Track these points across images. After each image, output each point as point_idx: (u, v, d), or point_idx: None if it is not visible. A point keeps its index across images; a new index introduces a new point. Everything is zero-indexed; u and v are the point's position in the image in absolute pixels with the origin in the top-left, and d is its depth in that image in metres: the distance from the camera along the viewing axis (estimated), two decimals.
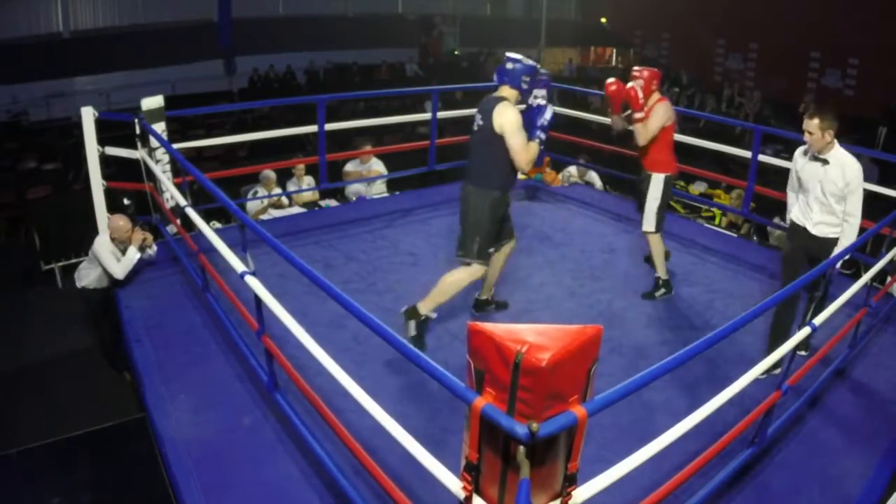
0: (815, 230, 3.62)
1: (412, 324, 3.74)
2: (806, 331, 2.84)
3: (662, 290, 4.51)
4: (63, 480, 3.61)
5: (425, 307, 3.73)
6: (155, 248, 4.72)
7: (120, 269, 4.43)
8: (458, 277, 3.74)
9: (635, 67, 4.48)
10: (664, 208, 4.48)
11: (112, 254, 4.47)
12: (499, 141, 3.52)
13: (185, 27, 14.47)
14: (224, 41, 14.87)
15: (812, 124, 3.44)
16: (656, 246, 4.50)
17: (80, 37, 13.76)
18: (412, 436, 1.95)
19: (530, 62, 3.60)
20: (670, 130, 4.40)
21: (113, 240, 4.50)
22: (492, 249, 3.83)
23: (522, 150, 3.54)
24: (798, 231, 3.71)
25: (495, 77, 3.62)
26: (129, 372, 4.84)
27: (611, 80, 4.60)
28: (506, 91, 3.58)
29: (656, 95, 4.39)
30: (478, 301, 4.27)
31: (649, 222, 4.46)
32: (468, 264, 3.74)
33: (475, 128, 3.65)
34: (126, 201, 4.67)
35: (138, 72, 13.15)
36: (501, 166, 3.62)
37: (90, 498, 3.51)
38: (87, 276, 4.61)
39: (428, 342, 3.82)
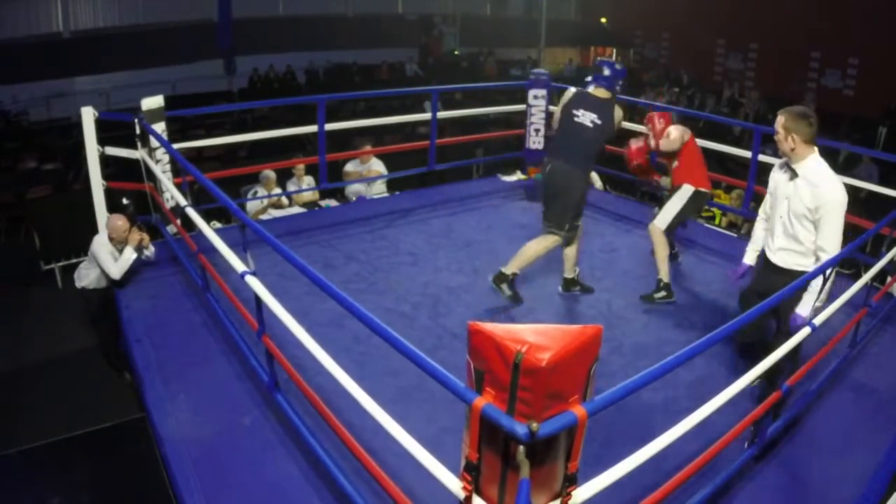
0: (776, 258, 3.15)
1: (504, 286, 4.23)
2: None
3: (663, 293, 4.46)
4: (63, 480, 3.61)
5: (510, 269, 4.23)
6: (153, 248, 4.72)
7: (117, 269, 4.43)
8: (541, 245, 4.22)
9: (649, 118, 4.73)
10: (684, 215, 4.53)
11: (110, 254, 4.47)
12: (607, 135, 4.17)
13: (185, 27, 14.47)
14: (224, 41, 14.86)
15: (777, 122, 3.00)
16: (661, 246, 4.48)
17: (80, 37, 13.76)
18: (412, 436, 1.95)
19: (622, 67, 4.20)
20: (692, 147, 4.61)
21: (112, 240, 4.50)
22: (578, 223, 4.28)
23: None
24: (760, 259, 3.31)
25: (593, 81, 4.15)
26: (128, 372, 4.85)
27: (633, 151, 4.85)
28: (605, 93, 4.13)
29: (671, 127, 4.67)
30: (566, 280, 4.53)
31: (664, 220, 4.48)
32: (552, 233, 4.20)
33: (588, 123, 4.10)
34: (125, 201, 4.67)
35: (138, 72, 13.14)
36: (599, 154, 4.30)
37: (90, 498, 3.51)
38: (86, 277, 4.61)
39: (428, 342, 3.83)
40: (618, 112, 4.15)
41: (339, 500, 2.65)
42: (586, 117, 4.10)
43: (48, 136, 11.75)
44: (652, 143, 4.66)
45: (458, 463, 1.75)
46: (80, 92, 13.05)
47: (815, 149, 3.04)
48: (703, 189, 4.53)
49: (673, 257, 4.92)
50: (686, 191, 4.48)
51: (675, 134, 4.57)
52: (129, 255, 4.46)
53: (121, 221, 4.52)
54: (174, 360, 3.68)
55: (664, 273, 4.48)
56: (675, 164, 4.65)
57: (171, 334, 3.95)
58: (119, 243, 4.52)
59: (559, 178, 4.13)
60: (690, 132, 4.64)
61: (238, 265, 3.01)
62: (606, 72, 4.12)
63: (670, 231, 4.55)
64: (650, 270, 4.90)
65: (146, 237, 4.63)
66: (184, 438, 3.05)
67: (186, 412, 3.24)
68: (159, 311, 4.23)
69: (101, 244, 4.48)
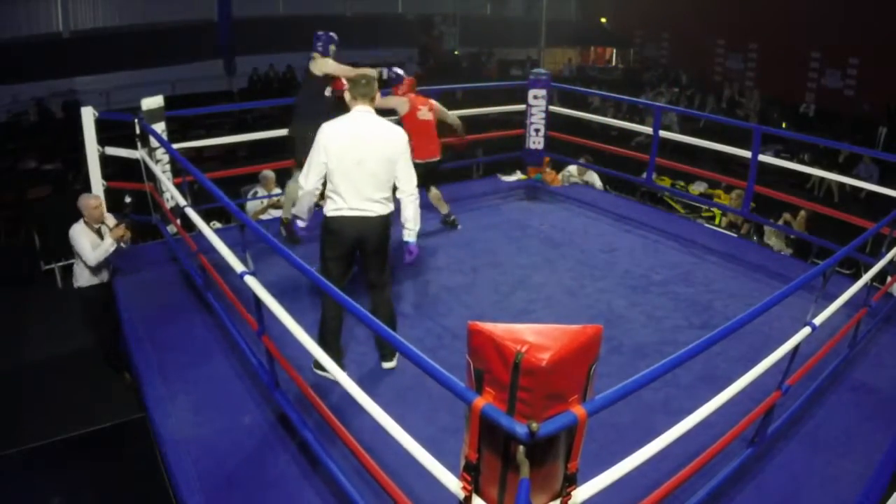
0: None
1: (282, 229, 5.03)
2: None
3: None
4: (63, 480, 3.62)
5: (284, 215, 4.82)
6: (128, 239, 4.71)
7: (93, 256, 4.39)
8: (293, 186, 4.76)
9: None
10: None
11: (87, 239, 4.42)
12: (318, 83, 4.90)
13: (185, 27, 14.47)
14: (224, 41, 14.87)
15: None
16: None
17: (80, 37, 13.76)
18: (412, 436, 1.95)
19: (326, 33, 4.91)
20: (411, 118, 5.07)
21: (87, 224, 4.47)
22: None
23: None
24: None
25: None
26: (128, 372, 4.84)
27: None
28: (317, 55, 4.84)
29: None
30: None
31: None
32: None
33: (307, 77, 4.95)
34: (127, 199, 4.68)
35: (138, 72, 13.14)
36: (322, 102, 4.90)
37: (90, 498, 3.51)
38: (80, 275, 4.59)
39: (428, 342, 3.83)
40: (323, 63, 4.78)
41: (339, 500, 2.65)
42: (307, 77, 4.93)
43: (48, 137, 11.75)
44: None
45: (457, 463, 1.75)
46: (80, 92, 13.05)
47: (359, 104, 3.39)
48: (420, 160, 4.57)
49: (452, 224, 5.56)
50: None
51: (394, 102, 5.01)
52: (108, 245, 4.43)
53: (92, 200, 4.48)
54: (174, 360, 3.68)
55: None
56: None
57: (171, 334, 3.95)
58: (95, 223, 4.48)
59: (297, 129, 4.80)
60: (416, 106, 5.09)
61: (237, 265, 3.01)
62: (315, 40, 4.86)
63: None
64: (651, 269, 4.91)
65: (128, 234, 4.60)
66: (184, 438, 3.05)
67: (186, 412, 3.24)
68: (159, 311, 4.23)
69: (77, 231, 4.44)
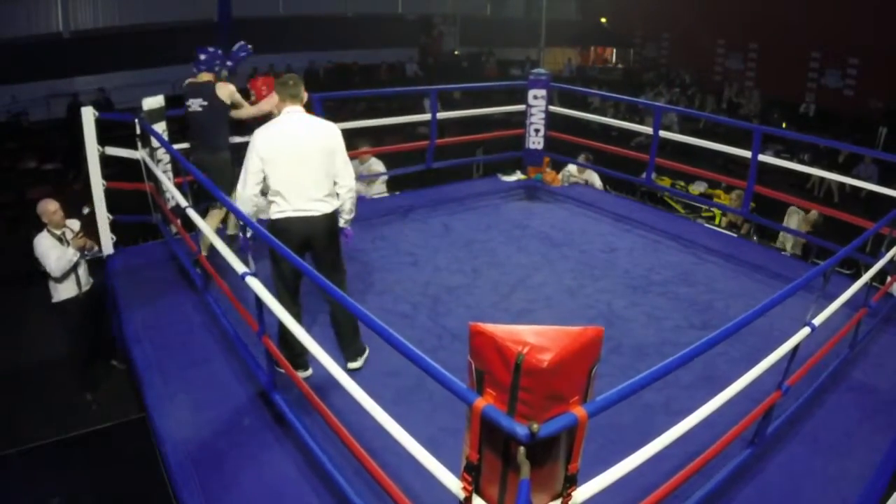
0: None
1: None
2: None
3: None
4: (63, 480, 3.62)
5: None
6: (95, 247, 4.69)
7: (56, 266, 4.35)
8: (211, 221, 4.46)
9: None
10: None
11: (52, 246, 4.38)
12: (220, 111, 4.59)
13: (185, 27, 14.46)
14: (224, 41, 14.85)
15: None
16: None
17: (80, 37, 13.76)
18: (412, 436, 1.95)
19: (215, 50, 4.65)
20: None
21: (51, 231, 4.43)
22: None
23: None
24: None
25: (194, 67, 4.59)
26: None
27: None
28: (206, 76, 4.58)
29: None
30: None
31: None
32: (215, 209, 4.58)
33: (197, 108, 4.53)
34: (85, 210, 4.63)
35: (138, 72, 13.14)
36: (225, 129, 4.66)
37: (90, 498, 3.51)
38: (56, 289, 4.54)
39: (428, 342, 3.83)
40: (224, 88, 4.55)
41: (339, 500, 2.65)
42: (195, 103, 4.53)
43: (48, 136, 11.74)
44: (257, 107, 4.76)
45: (458, 463, 1.75)
46: (79, 92, 13.05)
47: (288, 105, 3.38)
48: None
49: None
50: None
51: (268, 105, 4.69)
52: (71, 255, 4.39)
53: (52, 206, 4.44)
54: (174, 360, 3.68)
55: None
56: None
57: (171, 334, 3.94)
58: (57, 229, 4.44)
59: (206, 163, 4.41)
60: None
61: (238, 266, 3.01)
62: (202, 56, 4.59)
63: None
64: (651, 269, 4.91)
65: (90, 242, 4.56)
66: (184, 438, 3.05)
67: (186, 412, 3.24)
68: (159, 311, 4.22)
69: (42, 241, 4.40)
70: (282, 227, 3.27)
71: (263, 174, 3.27)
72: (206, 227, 3.67)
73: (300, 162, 3.23)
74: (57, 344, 5.48)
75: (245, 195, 3.32)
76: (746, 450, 2.82)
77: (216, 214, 4.55)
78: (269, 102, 4.63)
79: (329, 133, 3.33)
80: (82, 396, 4.98)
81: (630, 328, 4.11)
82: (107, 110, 11.70)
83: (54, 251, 4.38)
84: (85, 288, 4.62)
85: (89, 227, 4.55)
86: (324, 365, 2.37)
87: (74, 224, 4.57)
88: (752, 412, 2.71)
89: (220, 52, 4.68)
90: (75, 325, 4.74)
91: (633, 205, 6.65)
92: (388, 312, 4.14)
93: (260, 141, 3.26)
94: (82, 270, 4.60)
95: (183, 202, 3.96)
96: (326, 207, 3.34)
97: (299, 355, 3.31)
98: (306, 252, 3.35)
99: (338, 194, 3.40)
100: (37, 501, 3.46)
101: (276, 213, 3.30)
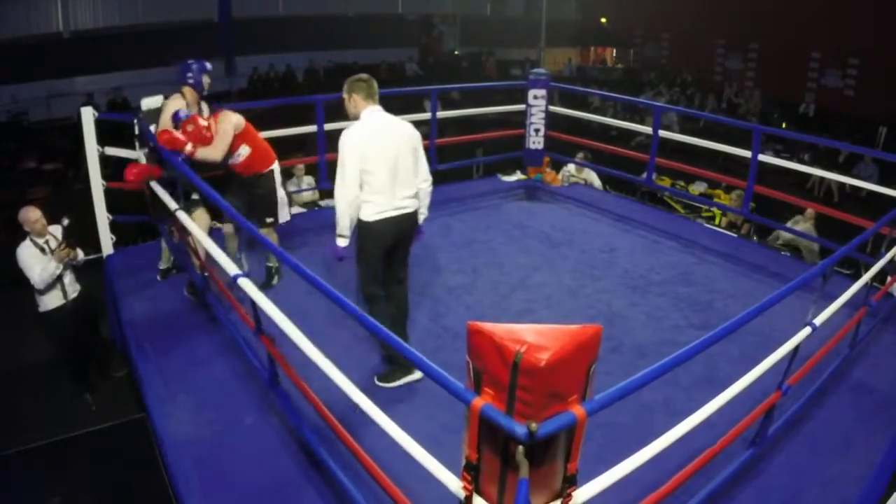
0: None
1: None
2: None
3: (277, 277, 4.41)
4: (63, 480, 3.61)
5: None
6: (81, 255, 4.60)
7: (40, 279, 4.29)
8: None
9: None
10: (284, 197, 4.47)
11: (35, 256, 4.32)
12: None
13: (185, 27, 14.47)
14: (224, 41, 14.86)
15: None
16: (274, 237, 4.34)
17: (80, 37, 13.76)
18: (412, 435, 1.95)
19: (186, 62, 4.28)
20: (250, 130, 4.39)
21: (34, 241, 4.36)
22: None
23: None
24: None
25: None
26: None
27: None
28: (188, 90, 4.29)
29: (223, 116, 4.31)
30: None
31: (283, 214, 4.39)
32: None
33: None
34: (65, 221, 4.56)
35: (138, 72, 13.15)
36: None
37: (90, 498, 3.50)
38: (42, 299, 4.50)
39: (428, 342, 3.82)
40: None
41: (339, 500, 2.65)
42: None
43: (48, 136, 11.74)
44: (193, 148, 4.12)
45: (457, 463, 1.74)
46: (80, 92, 13.05)
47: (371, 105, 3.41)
48: (276, 165, 4.42)
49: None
50: (277, 171, 4.39)
51: (227, 126, 4.21)
52: (53, 268, 4.31)
53: (32, 214, 4.35)
54: (174, 360, 3.68)
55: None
56: (243, 155, 4.28)
57: (171, 335, 3.94)
58: (40, 237, 4.37)
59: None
60: (240, 116, 4.36)
61: (230, 268, 2.96)
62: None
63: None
64: (650, 269, 4.91)
65: (74, 252, 4.48)
66: (184, 438, 3.05)
67: (186, 412, 3.24)
68: (159, 311, 4.22)
69: (25, 251, 4.34)
70: (381, 228, 3.28)
71: (362, 176, 3.25)
72: (196, 228, 3.65)
73: (396, 160, 3.26)
74: (52, 349, 5.49)
75: (350, 198, 3.23)
76: (747, 450, 2.82)
77: (200, 215, 4.31)
78: (210, 150, 4.14)
79: (412, 131, 3.39)
80: (82, 397, 4.98)
81: (630, 328, 4.11)
82: (123, 110, 11.77)
83: (37, 264, 4.32)
84: (72, 296, 4.55)
85: (71, 238, 4.49)
86: (322, 367, 2.37)
87: (57, 230, 4.51)
88: (753, 412, 2.71)
89: (186, 64, 4.31)
90: (62, 336, 4.71)
91: (633, 205, 6.65)
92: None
93: (358, 142, 3.24)
94: (68, 279, 4.53)
95: (173, 205, 3.93)
96: (417, 204, 3.41)
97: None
98: (393, 251, 3.39)
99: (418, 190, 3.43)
100: (36, 501, 3.45)
101: (373, 214, 3.27)
